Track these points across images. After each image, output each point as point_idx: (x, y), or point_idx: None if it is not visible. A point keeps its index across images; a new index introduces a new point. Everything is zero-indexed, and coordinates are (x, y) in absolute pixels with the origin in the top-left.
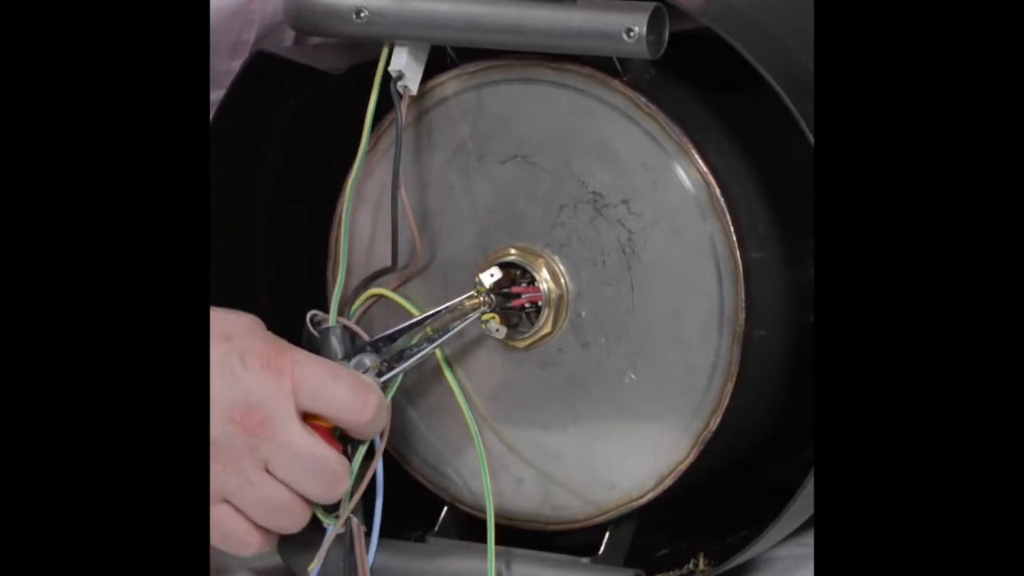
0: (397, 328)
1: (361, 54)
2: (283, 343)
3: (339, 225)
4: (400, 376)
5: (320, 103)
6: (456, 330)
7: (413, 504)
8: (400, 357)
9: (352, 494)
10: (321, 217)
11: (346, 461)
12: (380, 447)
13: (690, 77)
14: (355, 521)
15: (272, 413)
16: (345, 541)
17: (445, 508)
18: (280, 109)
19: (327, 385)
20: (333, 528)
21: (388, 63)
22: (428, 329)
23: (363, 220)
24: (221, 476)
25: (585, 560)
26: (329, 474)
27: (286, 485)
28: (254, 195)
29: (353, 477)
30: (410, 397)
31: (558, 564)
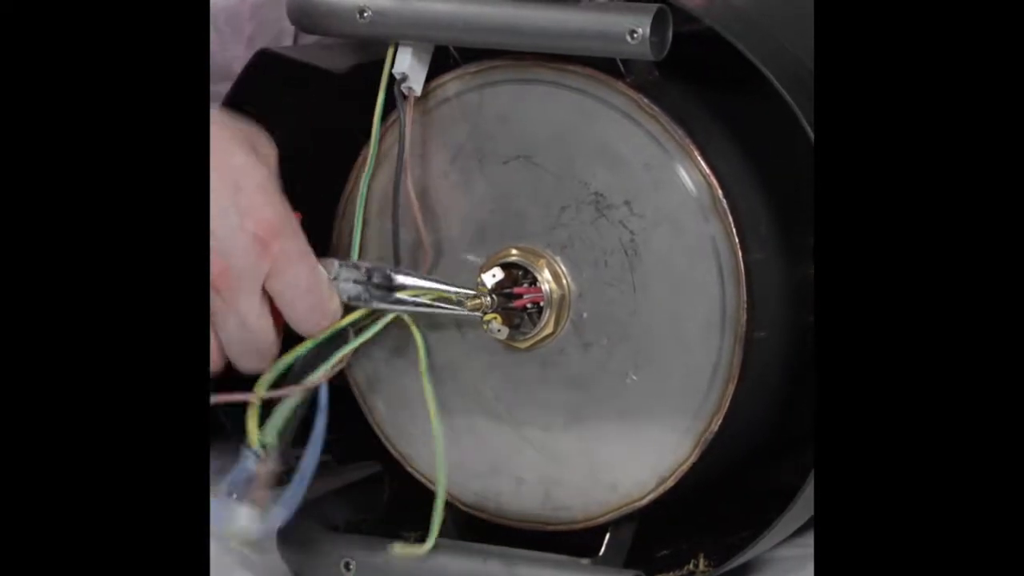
0: (398, 276)
1: (364, 54)
2: (286, 217)
3: (342, 226)
4: (378, 327)
5: (323, 103)
6: (447, 311)
7: (413, 504)
8: (382, 299)
9: (277, 427)
10: (323, 216)
11: (275, 346)
12: (303, 385)
13: (692, 78)
14: (263, 453)
15: (239, 284)
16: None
17: (445, 508)
18: (282, 108)
19: (296, 290)
20: (250, 451)
21: (392, 65)
22: (426, 299)
23: (369, 219)
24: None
25: (585, 561)
26: (257, 352)
27: (220, 344)
28: None
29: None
30: (411, 397)
31: (558, 565)
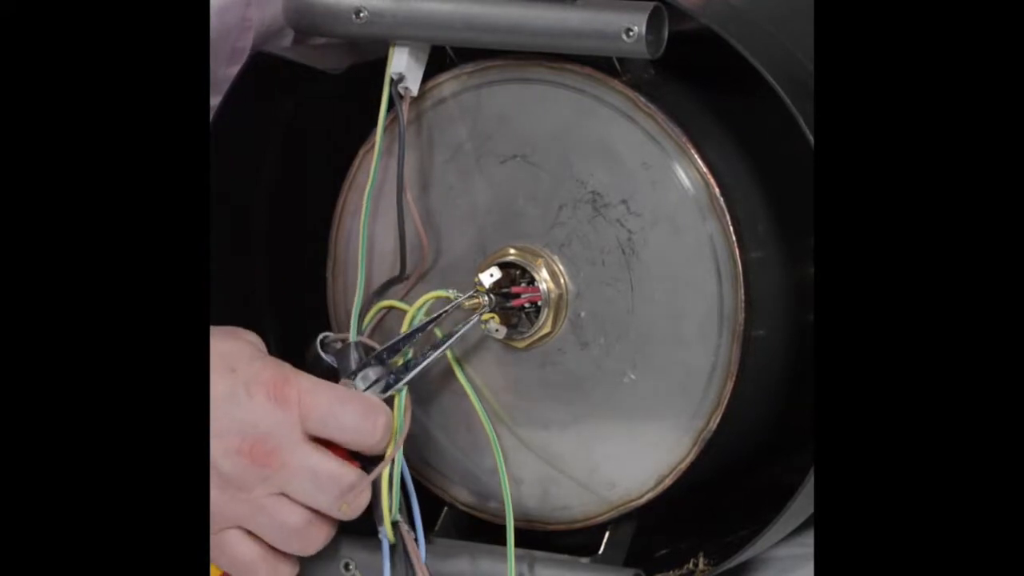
0: (399, 337)
1: (360, 54)
2: (288, 369)
3: (339, 226)
4: (402, 403)
5: (319, 103)
6: (460, 333)
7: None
8: (407, 367)
9: (383, 499)
10: (321, 217)
11: (361, 472)
12: (398, 446)
13: (689, 77)
14: (404, 525)
15: (280, 443)
16: (399, 548)
17: (445, 508)
18: (279, 109)
19: (334, 412)
20: (385, 536)
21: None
22: (436, 332)
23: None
24: (231, 506)
25: (585, 560)
26: (346, 487)
27: (303, 506)
28: (253, 196)
29: (384, 484)
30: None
31: (558, 564)
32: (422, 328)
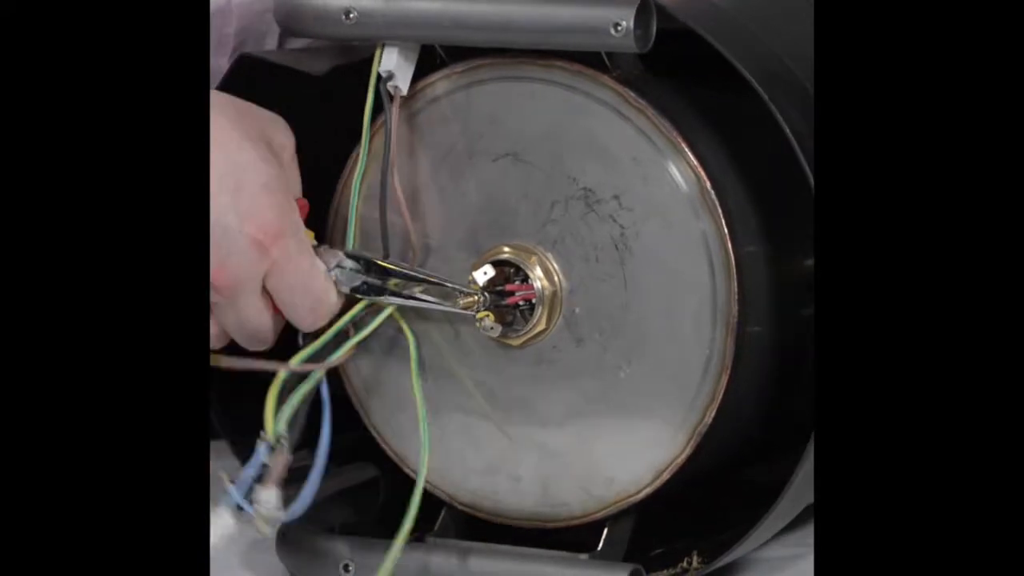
0: (391, 265)
1: (346, 55)
2: (286, 216)
3: (333, 227)
4: (378, 321)
5: (305, 105)
6: (442, 308)
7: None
8: (381, 290)
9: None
10: (311, 217)
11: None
12: (322, 365)
13: (679, 74)
14: (285, 442)
15: (239, 284)
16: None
17: (444, 508)
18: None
19: (294, 290)
20: (264, 443)
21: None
22: (418, 290)
23: (359, 219)
24: None
25: (584, 556)
26: (263, 341)
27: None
28: None
29: (298, 400)
30: (407, 399)
31: (557, 561)
32: (410, 274)
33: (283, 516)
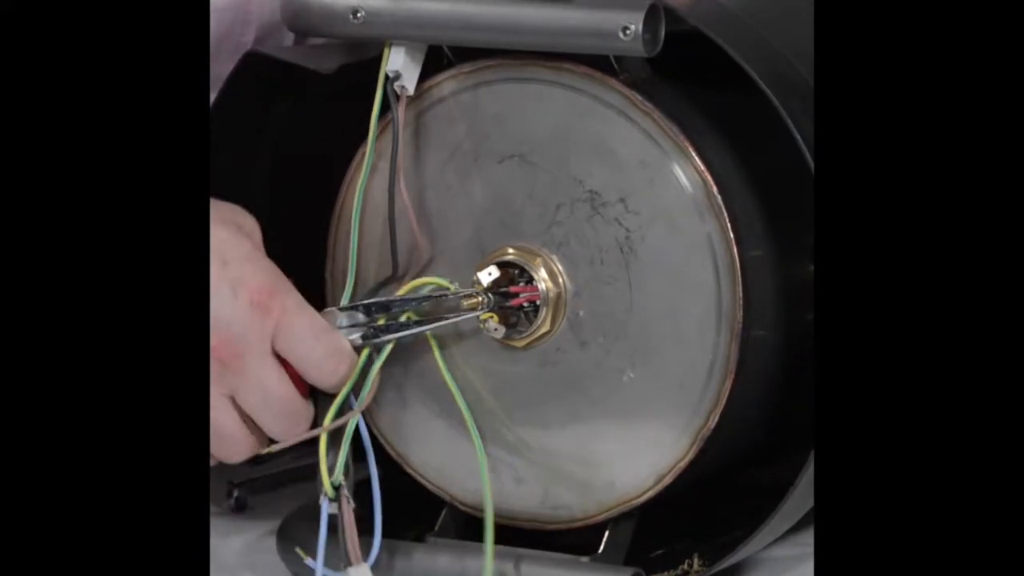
0: (391, 298)
1: (354, 54)
2: (279, 279)
3: (338, 226)
4: (389, 347)
5: (313, 103)
6: (450, 320)
7: (412, 504)
8: (387, 328)
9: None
10: (317, 217)
11: (310, 405)
12: (357, 408)
13: (686, 76)
14: (346, 491)
15: (247, 350)
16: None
17: (444, 508)
18: (273, 109)
19: (306, 340)
20: (325, 499)
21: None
22: (424, 306)
23: (364, 220)
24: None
25: (585, 559)
26: (292, 415)
27: (243, 415)
28: (249, 196)
29: (328, 421)
30: (409, 397)
31: (558, 563)
32: (414, 300)
33: None
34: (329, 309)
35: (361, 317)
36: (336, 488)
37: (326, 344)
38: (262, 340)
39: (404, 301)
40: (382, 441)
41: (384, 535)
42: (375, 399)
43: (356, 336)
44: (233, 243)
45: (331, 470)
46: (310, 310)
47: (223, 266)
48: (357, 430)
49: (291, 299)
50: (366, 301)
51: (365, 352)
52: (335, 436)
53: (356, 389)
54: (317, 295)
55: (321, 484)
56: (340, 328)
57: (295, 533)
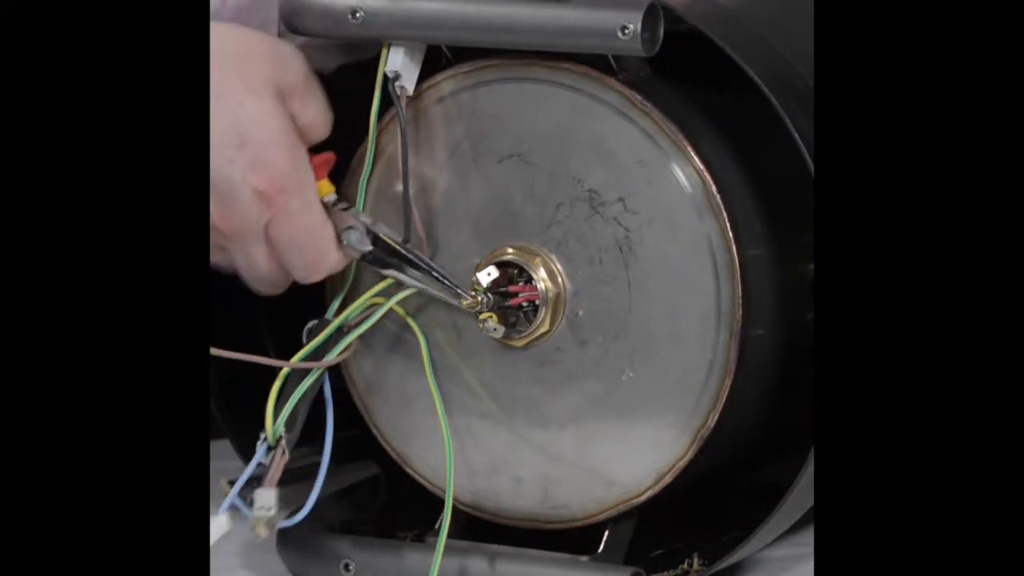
0: (402, 246)
1: (352, 54)
2: (295, 170)
3: None
4: (373, 318)
5: None
6: (439, 296)
7: (412, 504)
8: (384, 261)
9: (286, 416)
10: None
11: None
12: (324, 363)
13: (685, 76)
14: (284, 445)
15: (242, 232)
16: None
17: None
18: None
19: (291, 243)
20: (263, 443)
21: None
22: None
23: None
24: None
25: (584, 558)
26: (277, 287)
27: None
28: None
29: (296, 398)
30: (409, 398)
31: (558, 563)
32: (416, 262)
33: (280, 519)
34: (348, 213)
35: (368, 243)
36: (277, 438)
37: (309, 254)
38: (256, 227)
39: (412, 261)
40: (382, 441)
41: (384, 535)
42: (375, 399)
43: (357, 243)
44: (256, 122)
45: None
46: (312, 212)
47: (240, 147)
48: (321, 390)
49: (296, 198)
50: (383, 233)
51: (362, 300)
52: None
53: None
54: (318, 295)
55: (263, 428)
56: (344, 230)
57: (295, 533)
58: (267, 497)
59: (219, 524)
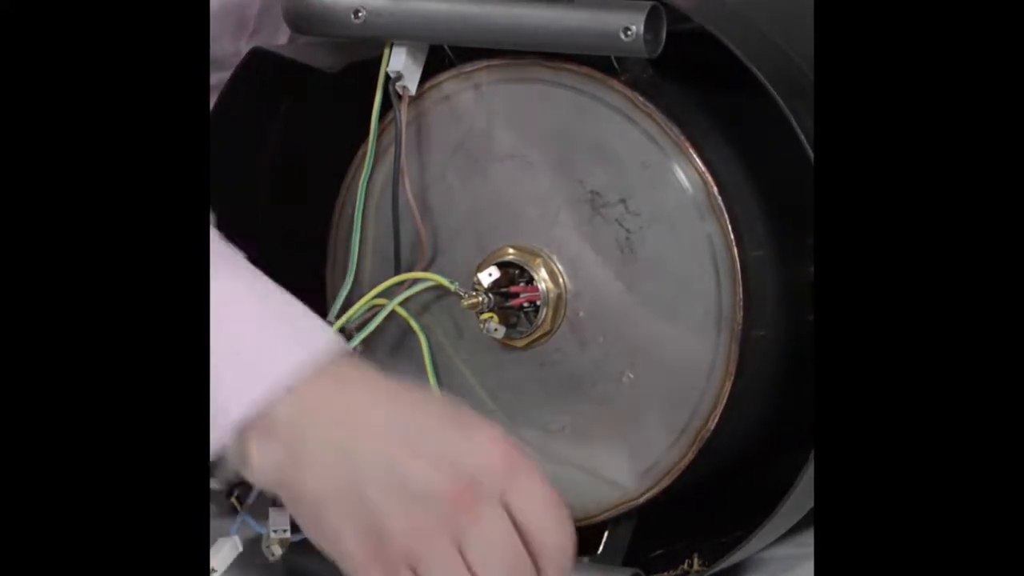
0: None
1: (357, 53)
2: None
3: (338, 225)
4: (375, 322)
5: (316, 102)
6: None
7: None
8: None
9: None
10: (319, 217)
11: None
12: None
13: (687, 77)
14: None
15: (484, 493)
16: None
17: None
18: (276, 108)
19: (544, 500)
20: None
21: (387, 64)
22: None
23: (366, 219)
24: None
25: (584, 559)
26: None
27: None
28: (251, 194)
29: None
30: None
31: None
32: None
33: (296, 538)
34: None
35: None
36: None
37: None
38: (495, 485)
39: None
40: None
41: None
42: None
43: None
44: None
45: None
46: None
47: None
48: None
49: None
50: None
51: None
52: None
53: None
54: (318, 295)
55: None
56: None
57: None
58: (283, 519)
59: (232, 545)
